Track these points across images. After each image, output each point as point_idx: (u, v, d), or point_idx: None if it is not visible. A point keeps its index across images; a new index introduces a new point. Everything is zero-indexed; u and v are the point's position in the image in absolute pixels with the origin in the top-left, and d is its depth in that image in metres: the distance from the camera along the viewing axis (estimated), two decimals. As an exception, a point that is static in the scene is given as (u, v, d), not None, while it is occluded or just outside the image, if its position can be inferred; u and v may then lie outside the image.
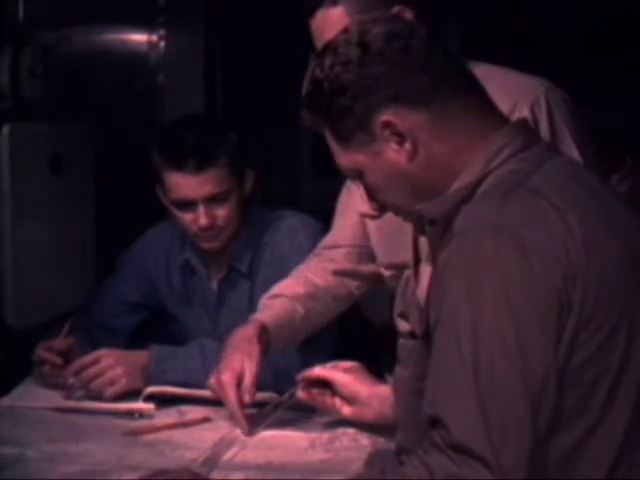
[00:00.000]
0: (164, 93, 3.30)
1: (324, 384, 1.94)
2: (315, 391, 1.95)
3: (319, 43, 1.99)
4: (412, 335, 1.57)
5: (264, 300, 2.18)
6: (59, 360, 2.20)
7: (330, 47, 1.48)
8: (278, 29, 3.21)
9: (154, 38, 3.32)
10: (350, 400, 1.91)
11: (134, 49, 3.33)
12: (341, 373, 1.93)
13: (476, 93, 1.48)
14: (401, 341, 1.64)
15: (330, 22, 1.96)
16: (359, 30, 1.46)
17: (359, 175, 1.51)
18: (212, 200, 2.25)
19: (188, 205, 2.26)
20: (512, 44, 3.46)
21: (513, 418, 1.27)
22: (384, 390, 1.87)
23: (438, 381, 1.32)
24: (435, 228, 1.45)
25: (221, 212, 2.28)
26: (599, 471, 1.33)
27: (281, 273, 2.31)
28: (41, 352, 2.23)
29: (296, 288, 2.18)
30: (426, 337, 1.42)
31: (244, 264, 2.38)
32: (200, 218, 2.25)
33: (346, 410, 1.92)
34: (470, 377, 1.27)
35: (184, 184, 2.23)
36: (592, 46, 3.43)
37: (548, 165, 1.42)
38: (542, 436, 1.29)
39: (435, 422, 1.30)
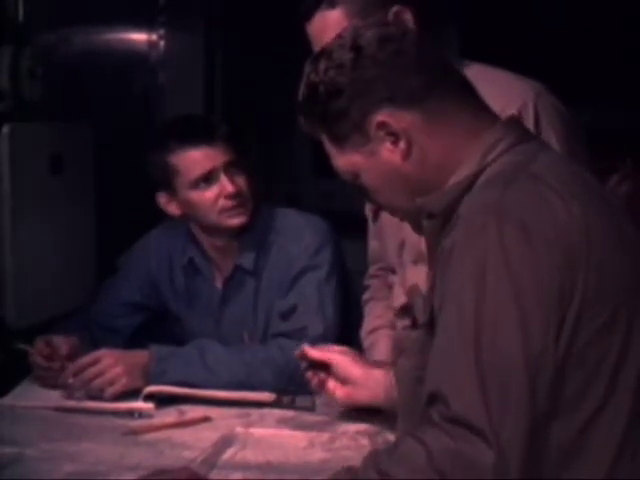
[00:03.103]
0: (164, 93, 3.31)
1: (318, 366, 1.95)
2: (310, 373, 1.96)
3: (318, 46, 1.99)
4: (414, 326, 1.59)
5: (366, 339, 2.20)
6: (43, 358, 2.21)
7: (324, 52, 1.52)
8: (278, 29, 3.21)
9: (154, 38, 3.33)
10: (345, 380, 1.92)
11: (134, 49, 3.34)
12: (337, 354, 1.95)
13: (468, 93, 1.52)
14: (404, 333, 1.66)
15: (329, 25, 1.96)
16: (352, 35, 1.51)
17: (356, 176, 1.54)
18: (230, 167, 2.29)
19: (210, 178, 2.28)
20: (512, 44, 3.46)
21: (512, 394, 1.29)
22: (379, 373, 1.90)
23: (440, 358, 1.35)
24: (433, 222, 1.48)
25: (240, 181, 2.31)
26: (606, 453, 1.36)
27: (286, 274, 2.32)
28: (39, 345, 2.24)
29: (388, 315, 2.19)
30: (430, 325, 1.44)
31: (249, 262, 2.37)
32: (226, 185, 2.28)
33: (339, 392, 1.93)
34: (471, 352, 1.30)
35: (202, 157, 2.28)
36: (592, 46, 3.44)
37: (542, 156, 1.47)
38: (544, 417, 1.32)
39: (434, 398, 1.32)
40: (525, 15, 3.48)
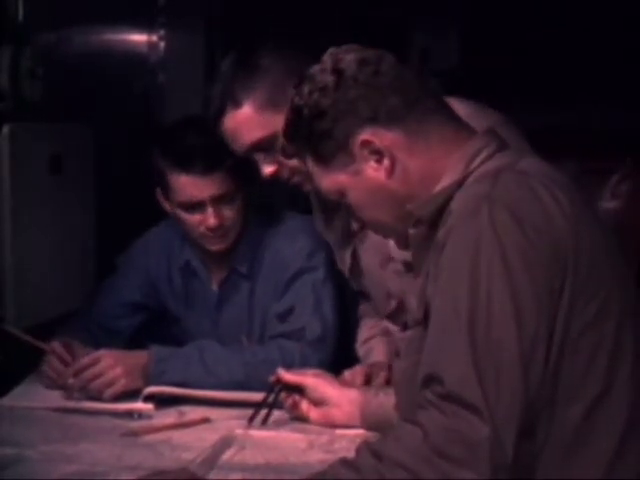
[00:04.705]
0: (164, 93, 3.30)
1: (292, 389, 1.98)
2: (283, 395, 1.99)
3: (238, 147, 2.01)
4: (405, 329, 1.61)
5: (362, 348, 2.20)
6: (69, 358, 2.20)
7: (307, 76, 1.58)
8: (278, 29, 3.21)
9: (154, 38, 3.33)
10: (319, 402, 1.95)
11: (134, 49, 3.33)
12: (311, 377, 1.98)
13: (445, 109, 1.58)
14: (399, 335, 1.67)
15: (241, 123, 1.97)
16: (332, 59, 1.57)
17: (342, 195, 1.59)
18: (220, 200, 2.24)
19: (195, 207, 2.24)
20: (512, 44, 3.46)
21: (506, 376, 1.33)
22: (354, 393, 1.93)
23: (435, 341, 1.39)
24: (419, 229, 1.53)
25: (228, 213, 2.27)
26: (611, 439, 1.39)
27: (281, 276, 2.32)
28: (56, 345, 2.22)
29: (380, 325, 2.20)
30: (425, 322, 1.46)
31: (244, 265, 2.38)
32: (209, 218, 2.24)
33: (313, 413, 1.96)
34: (466, 335, 1.34)
35: (192, 185, 2.22)
36: (592, 46, 3.43)
37: (526, 159, 1.53)
38: (544, 406, 1.36)
39: (429, 379, 1.35)
40: (525, 15, 3.48)
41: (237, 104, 1.97)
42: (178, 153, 2.23)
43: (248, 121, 1.97)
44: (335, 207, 2.09)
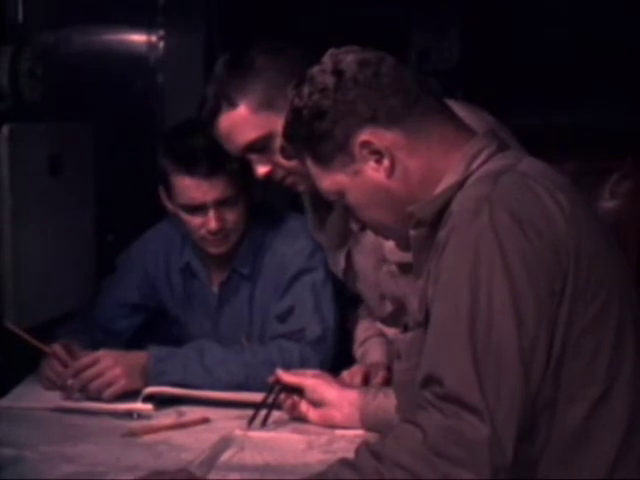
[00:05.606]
0: (164, 93, 3.30)
1: (292, 390, 1.98)
2: (283, 396, 1.98)
3: (232, 148, 2.01)
4: (406, 328, 1.61)
5: (359, 349, 2.21)
6: (69, 359, 2.19)
7: (307, 77, 1.58)
8: (278, 29, 3.21)
9: (154, 38, 3.33)
10: (319, 403, 1.96)
11: (134, 49, 3.33)
12: (311, 378, 1.98)
13: (445, 111, 1.58)
14: (399, 337, 1.68)
15: (237, 123, 1.96)
16: (332, 60, 1.57)
17: (341, 196, 1.60)
18: (222, 204, 2.24)
19: (198, 209, 2.24)
20: (512, 45, 3.46)
21: (507, 373, 1.33)
22: (354, 394, 1.94)
23: (435, 342, 1.39)
24: (420, 231, 1.53)
25: (230, 216, 2.26)
26: (613, 439, 1.40)
27: (281, 277, 2.32)
28: (57, 348, 2.22)
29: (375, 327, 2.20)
30: (426, 324, 1.46)
31: (246, 267, 2.37)
32: (210, 222, 2.23)
33: (313, 414, 1.96)
34: (466, 336, 1.34)
35: (195, 188, 2.21)
36: (592, 46, 3.43)
37: (527, 160, 1.54)
38: (546, 407, 1.37)
39: (428, 380, 1.36)
40: (525, 15, 3.48)
41: (232, 105, 1.97)
42: (183, 155, 2.23)
43: (243, 121, 1.97)
44: (328, 208, 2.09)
